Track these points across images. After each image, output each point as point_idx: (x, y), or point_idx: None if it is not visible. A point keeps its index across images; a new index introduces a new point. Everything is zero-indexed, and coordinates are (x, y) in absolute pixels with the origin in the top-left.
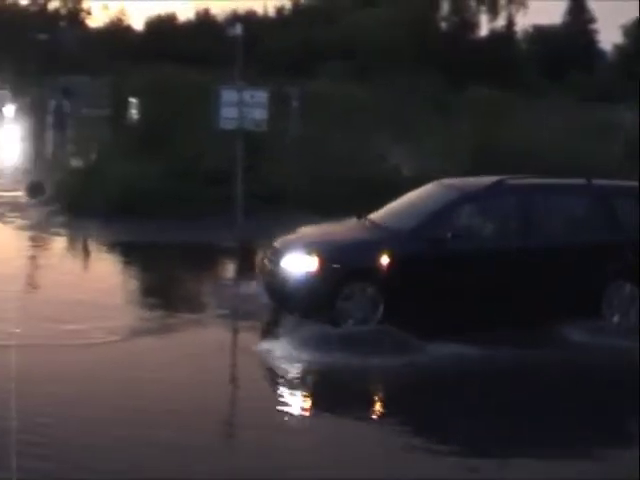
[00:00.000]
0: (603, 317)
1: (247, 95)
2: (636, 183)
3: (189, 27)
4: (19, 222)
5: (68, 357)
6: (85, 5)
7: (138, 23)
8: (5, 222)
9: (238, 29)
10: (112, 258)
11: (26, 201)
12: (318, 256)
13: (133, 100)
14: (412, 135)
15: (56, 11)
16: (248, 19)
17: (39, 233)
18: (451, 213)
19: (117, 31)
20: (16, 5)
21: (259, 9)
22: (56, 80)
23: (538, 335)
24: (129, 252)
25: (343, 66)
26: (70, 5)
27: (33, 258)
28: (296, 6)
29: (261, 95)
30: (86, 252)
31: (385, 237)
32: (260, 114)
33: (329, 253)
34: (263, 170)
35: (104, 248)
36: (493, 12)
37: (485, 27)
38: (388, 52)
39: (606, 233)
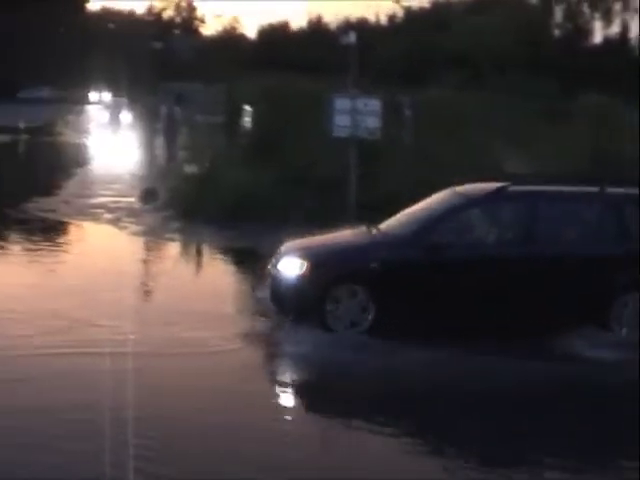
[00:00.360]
0: (611, 330)
1: (360, 103)
2: None
3: (301, 35)
4: (134, 228)
5: (187, 365)
6: (199, 14)
7: (251, 31)
8: (120, 227)
9: (351, 37)
10: (226, 264)
11: (140, 207)
12: (307, 260)
13: (247, 108)
14: (525, 142)
15: (171, 20)
16: (360, 27)
17: (153, 239)
18: (449, 219)
19: (230, 39)
20: (132, 15)
21: (371, 16)
22: (169, 87)
23: (531, 345)
24: (242, 258)
25: (456, 73)
26: (184, 14)
27: (147, 264)
28: (408, 13)
29: (374, 103)
30: (200, 258)
31: (379, 242)
32: (373, 122)
33: (317, 257)
34: (375, 178)
35: (218, 254)
36: (607, 19)
37: (599, 34)
38: (501, 59)
39: (616, 243)
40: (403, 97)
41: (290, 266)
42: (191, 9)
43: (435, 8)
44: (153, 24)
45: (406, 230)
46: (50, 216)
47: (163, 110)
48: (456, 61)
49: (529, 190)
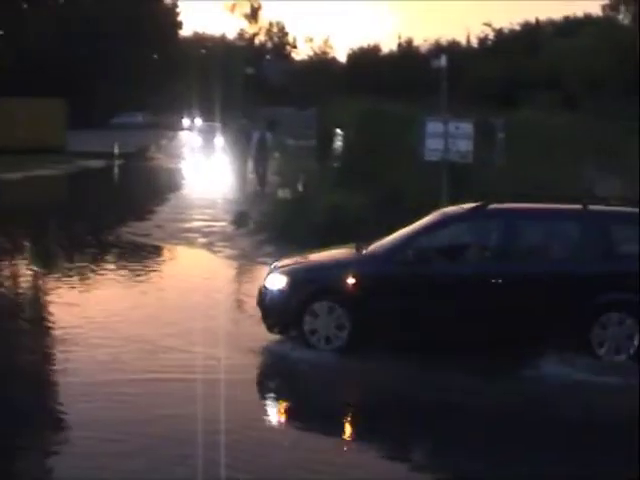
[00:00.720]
0: (592, 351)
1: (452, 126)
2: (637, 209)
3: (392, 58)
4: (227, 252)
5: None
6: (290, 38)
7: (342, 54)
8: (214, 252)
9: (443, 61)
10: None
11: (234, 231)
12: (288, 275)
13: (338, 131)
14: (619, 164)
15: (262, 45)
16: (451, 49)
17: (247, 263)
18: (425, 236)
19: (321, 63)
20: (224, 40)
21: (462, 39)
22: (261, 112)
23: (498, 364)
24: None
25: (548, 95)
26: (276, 39)
27: (239, 288)
28: (499, 35)
29: (466, 126)
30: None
31: (358, 259)
32: (465, 145)
33: (297, 273)
34: (467, 201)
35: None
36: None
37: None
38: (593, 80)
39: (596, 262)
40: (495, 120)
41: (274, 281)
42: (282, 34)
43: (525, 30)
44: (245, 49)
45: (385, 247)
46: (144, 240)
47: (254, 135)
48: (547, 82)
49: (508, 208)
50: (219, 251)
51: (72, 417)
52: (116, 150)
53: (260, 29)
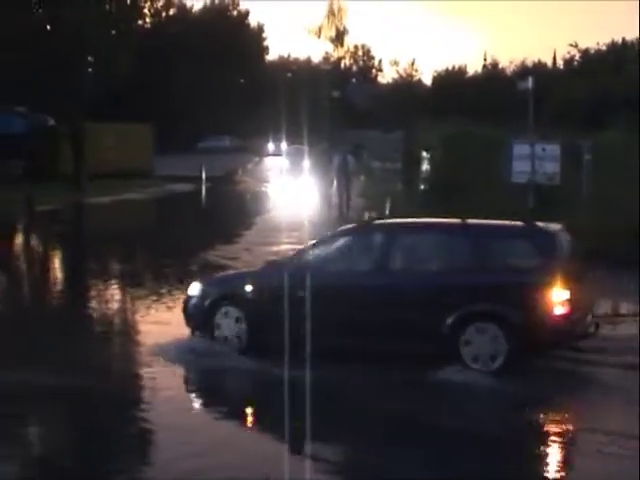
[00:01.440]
0: (462, 360)
1: (539, 148)
2: (518, 223)
3: (477, 80)
4: None
5: None
6: (375, 61)
7: (427, 77)
8: None
9: (529, 83)
10: None
11: None
12: (201, 283)
13: (425, 154)
14: None
15: (348, 68)
16: (537, 70)
17: None
18: (316, 248)
19: (407, 86)
20: (309, 63)
21: (547, 59)
22: (347, 135)
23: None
24: None
25: (636, 116)
26: (361, 62)
27: None
28: (585, 56)
29: (553, 148)
30: None
31: (261, 270)
32: (552, 167)
33: (208, 281)
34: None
35: None
36: None
37: None
38: None
39: (466, 274)
40: (582, 141)
41: (192, 289)
42: (368, 57)
43: (612, 50)
44: (331, 72)
45: (285, 259)
46: (232, 263)
47: (339, 159)
48: (635, 103)
49: (389, 223)
50: None
51: None
52: (203, 174)
53: (346, 52)
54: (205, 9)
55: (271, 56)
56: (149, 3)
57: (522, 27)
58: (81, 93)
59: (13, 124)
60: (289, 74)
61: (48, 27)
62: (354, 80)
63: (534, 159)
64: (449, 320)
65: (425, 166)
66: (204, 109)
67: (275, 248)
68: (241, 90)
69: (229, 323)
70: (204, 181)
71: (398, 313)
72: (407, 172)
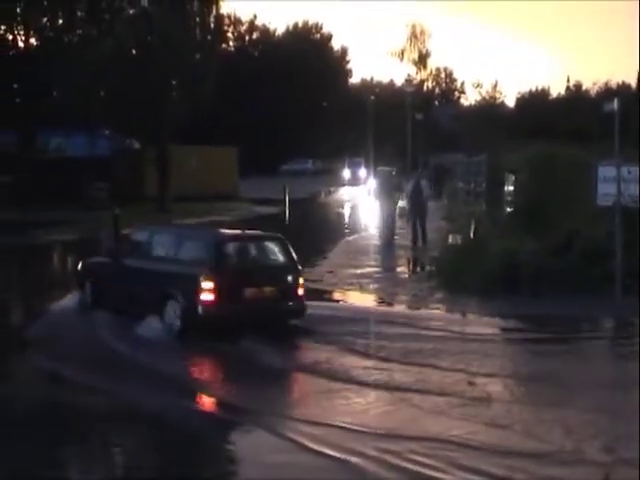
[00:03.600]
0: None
1: (624, 170)
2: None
3: (561, 102)
4: (400, 297)
5: None
6: (458, 84)
7: (510, 99)
8: (386, 297)
9: (614, 104)
10: (493, 336)
11: (405, 277)
12: (81, 263)
13: (509, 176)
14: None
15: (430, 91)
16: (621, 92)
17: (416, 308)
18: (128, 240)
19: (490, 108)
20: (392, 86)
21: (632, 81)
22: (430, 159)
23: None
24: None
25: None
26: (444, 85)
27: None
28: None
29: (637, 170)
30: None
31: (97, 260)
32: (637, 190)
33: (84, 263)
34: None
35: (485, 327)
36: None
37: None
38: None
39: (169, 264)
40: None
41: (79, 266)
42: (450, 79)
43: None
44: (414, 95)
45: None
46: (317, 286)
47: (412, 184)
48: None
49: (153, 225)
50: (391, 296)
51: None
52: (287, 196)
53: (428, 75)
54: (288, 32)
55: (354, 79)
56: (232, 27)
57: (604, 48)
58: (166, 116)
59: (98, 147)
60: (372, 97)
61: (134, 51)
62: (437, 103)
63: (620, 181)
64: (156, 296)
65: (510, 188)
66: (287, 132)
67: (359, 271)
68: (324, 113)
69: (88, 287)
70: (287, 203)
71: (140, 290)
72: (492, 194)
